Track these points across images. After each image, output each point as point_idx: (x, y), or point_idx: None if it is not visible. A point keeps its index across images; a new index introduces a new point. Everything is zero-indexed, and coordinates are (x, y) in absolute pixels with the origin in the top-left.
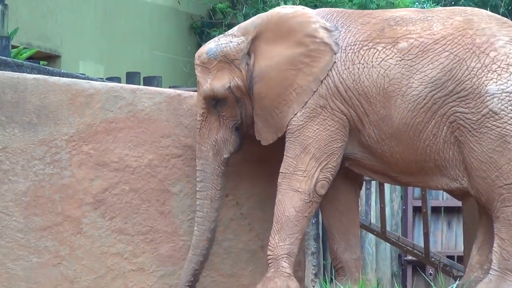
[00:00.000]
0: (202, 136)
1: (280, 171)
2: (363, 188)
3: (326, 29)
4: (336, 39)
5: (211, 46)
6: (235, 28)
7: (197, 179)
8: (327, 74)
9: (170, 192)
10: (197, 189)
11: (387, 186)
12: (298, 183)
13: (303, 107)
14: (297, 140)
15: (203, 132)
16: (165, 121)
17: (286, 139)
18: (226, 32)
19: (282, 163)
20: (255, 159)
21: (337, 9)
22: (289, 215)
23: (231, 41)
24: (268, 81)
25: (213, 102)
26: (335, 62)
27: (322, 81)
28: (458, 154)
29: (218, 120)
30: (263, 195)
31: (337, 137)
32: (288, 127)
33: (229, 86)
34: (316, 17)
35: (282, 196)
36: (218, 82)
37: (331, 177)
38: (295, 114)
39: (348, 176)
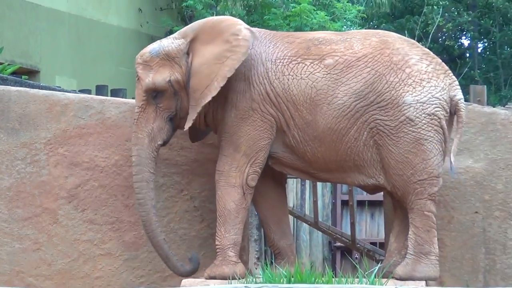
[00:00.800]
0: (139, 125)
1: (216, 168)
2: (298, 184)
3: (249, 30)
4: (258, 40)
5: (154, 46)
6: (176, 33)
7: (133, 164)
8: (260, 82)
9: (133, 188)
10: (133, 173)
11: (319, 183)
12: (233, 180)
13: (236, 107)
14: (230, 139)
15: (140, 122)
16: (129, 127)
17: (222, 138)
18: (168, 36)
19: (218, 161)
20: (205, 158)
21: (267, 30)
22: (230, 209)
23: (173, 42)
24: (199, 75)
25: (153, 94)
26: (266, 72)
27: (254, 86)
28: (375, 155)
29: (155, 111)
30: (212, 189)
31: (264, 135)
32: (223, 127)
33: (169, 80)
34: (242, 22)
35: (221, 192)
36: (159, 76)
37: (260, 170)
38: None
39: (275, 174)
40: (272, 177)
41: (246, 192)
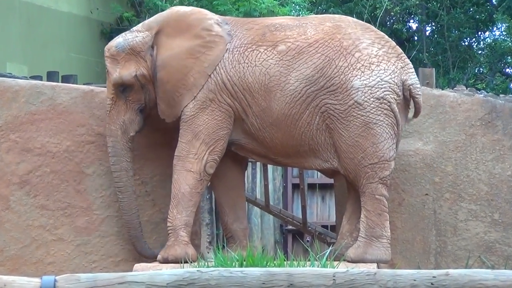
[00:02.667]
0: (111, 117)
1: (175, 154)
2: (249, 167)
3: (219, 24)
4: (228, 31)
5: (119, 40)
6: (140, 25)
7: (109, 155)
8: (217, 72)
9: (85, 173)
10: (111, 163)
11: (270, 166)
12: (190, 164)
13: (194, 98)
14: (189, 128)
15: (112, 114)
16: (80, 112)
17: (180, 127)
18: (131, 29)
19: (177, 147)
20: (157, 144)
21: (228, 17)
22: (184, 192)
23: (137, 36)
24: (170, 69)
25: (121, 88)
26: (223, 61)
27: (211, 76)
28: (329, 139)
29: (125, 104)
30: (164, 175)
31: (223, 125)
32: (182, 117)
33: (136, 75)
34: (211, 14)
35: (177, 176)
36: (126, 71)
37: (218, 159)
38: (191, 100)
39: (235, 158)
40: (232, 160)
41: (203, 179)
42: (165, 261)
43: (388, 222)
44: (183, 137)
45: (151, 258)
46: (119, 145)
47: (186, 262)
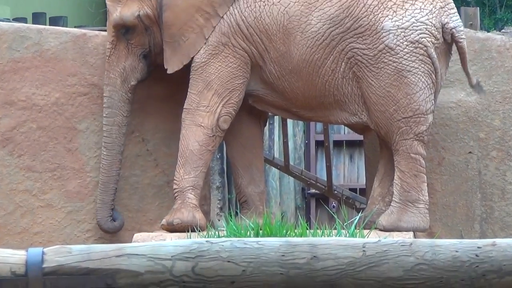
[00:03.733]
0: (111, 63)
1: (184, 107)
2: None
3: None
4: None
5: None
6: None
7: (104, 106)
8: (230, 12)
9: (77, 130)
10: (104, 115)
11: (289, 121)
12: (201, 118)
13: (205, 42)
14: (200, 77)
15: (112, 60)
16: (71, 60)
17: (190, 75)
18: None
19: (186, 99)
20: (160, 96)
21: None
22: (193, 149)
23: None
24: (175, 8)
25: (123, 31)
26: (238, 1)
27: (223, 18)
28: (356, 89)
29: (126, 48)
30: (168, 131)
31: (239, 73)
32: (192, 65)
33: (139, 15)
34: None
35: (186, 131)
36: (127, 10)
37: (234, 112)
38: (202, 45)
39: (252, 112)
40: (248, 115)
41: (216, 135)
42: (170, 225)
43: (426, 184)
44: (193, 87)
45: (109, 232)
46: (117, 96)
47: (193, 230)
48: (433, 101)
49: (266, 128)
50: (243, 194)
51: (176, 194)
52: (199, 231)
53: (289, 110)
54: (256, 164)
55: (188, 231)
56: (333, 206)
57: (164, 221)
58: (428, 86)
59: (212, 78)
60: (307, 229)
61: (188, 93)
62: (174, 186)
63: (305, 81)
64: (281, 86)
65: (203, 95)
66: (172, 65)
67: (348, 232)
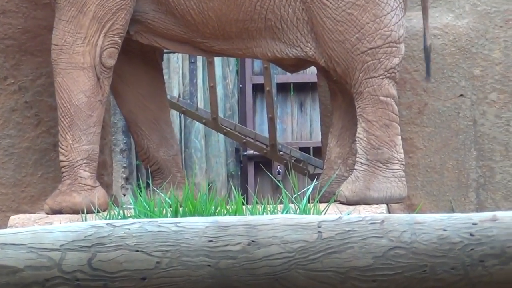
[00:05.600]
0: None
1: (52, 42)
2: (186, 61)
3: None
4: None
5: None
6: None
7: None
8: None
9: None
10: None
11: (217, 59)
12: (81, 57)
13: None
14: None
15: None
16: None
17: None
18: None
19: (54, 30)
20: (40, 27)
21: None
22: (78, 104)
23: None
24: None
25: None
26: None
27: None
28: (301, 12)
29: None
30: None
31: None
32: None
33: None
34: None
35: (63, 79)
36: None
37: (120, 41)
38: None
39: (143, 47)
40: (140, 53)
41: (102, 76)
42: (56, 213)
43: (400, 138)
44: (63, 13)
45: None
46: None
47: (90, 211)
48: (405, 25)
49: (186, 68)
50: (154, 160)
51: (64, 171)
52: (98, 211)
53: (190, 41)
54: (163, 118)
55: (82, 213)
56: (278, 173)
57: (46, 207)
58: (400, 6)
59: None
60: (243, 204)
61: (56, 20)
62: (61, 158)
63: None
64: (183, 6)
65: (77, 22)
66: None
67: (298, 207)
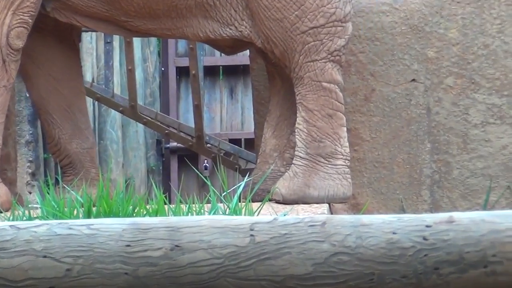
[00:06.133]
0: None
1: None
2: (101, 41)
3: None
4: None
5: None
6: None
7: None
8: None
9: None
10: None
11: (136, 40)
12: None
13: None
14: None
15: None
16: None
17: None
18: None
19: None
20: None
21: None
22: None
23: None
24: None
25: None
26: None
27: None
28: None
29: None
30: None
31: None
32: None
33: None
34: None
35: None
36: None
37: (30, 20)
38: None
39: (60, 24)
40: (54, 33)
41: (8, 59)
42: None
43: (346, 130)
44: None
45: None
46: None
47: None
48: (352, 1)
49: (101, 49)
50: (65, 153)
51: None
52: (0, 212)
53: (112, 19)
54: (78, 105)
55: None
56: (205, 168)
57: None
58: None
59: None
60: (165, 203)
61: None
62: None
63: None
64: None
65: None
66: None
67: (228, 207)
